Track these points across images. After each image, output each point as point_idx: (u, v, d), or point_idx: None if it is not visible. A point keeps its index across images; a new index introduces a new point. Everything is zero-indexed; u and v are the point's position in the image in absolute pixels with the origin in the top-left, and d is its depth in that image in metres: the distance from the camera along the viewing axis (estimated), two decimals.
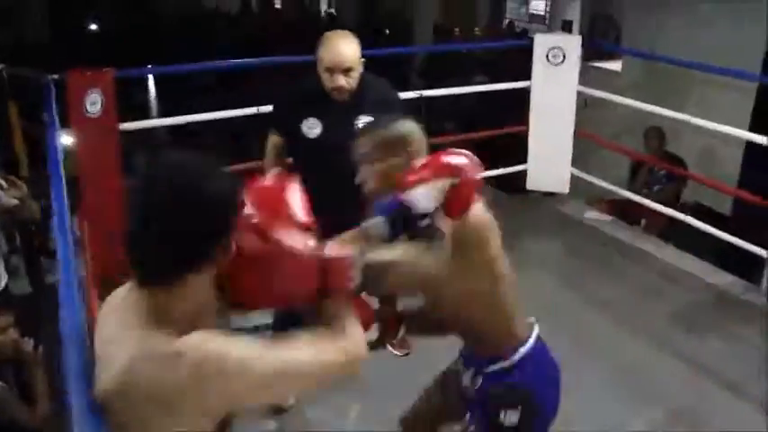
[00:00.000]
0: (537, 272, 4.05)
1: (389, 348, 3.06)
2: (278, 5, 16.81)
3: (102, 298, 1.65)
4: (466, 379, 1.93)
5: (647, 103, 4.54)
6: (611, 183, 4.82)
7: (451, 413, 2.04)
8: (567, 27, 5.08)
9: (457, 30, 13.88)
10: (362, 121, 2.47)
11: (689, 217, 4.38)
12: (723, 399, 3.09)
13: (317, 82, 2.61)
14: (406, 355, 3.12)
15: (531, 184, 4.98)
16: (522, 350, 1.84)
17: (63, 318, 1.59)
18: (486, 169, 5.20)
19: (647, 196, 5.00)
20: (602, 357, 3.35)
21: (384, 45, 11.46)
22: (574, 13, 5.63)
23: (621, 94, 4.99)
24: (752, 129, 4.58)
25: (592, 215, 4.93)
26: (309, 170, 2.38)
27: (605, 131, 5.65)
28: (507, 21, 13.81)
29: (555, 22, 5.78)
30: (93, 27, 13.74)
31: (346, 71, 2.57)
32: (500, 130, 5.01)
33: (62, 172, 2.64)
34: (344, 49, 2.57)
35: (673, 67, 5.34)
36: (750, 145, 4.69)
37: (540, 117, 4.80)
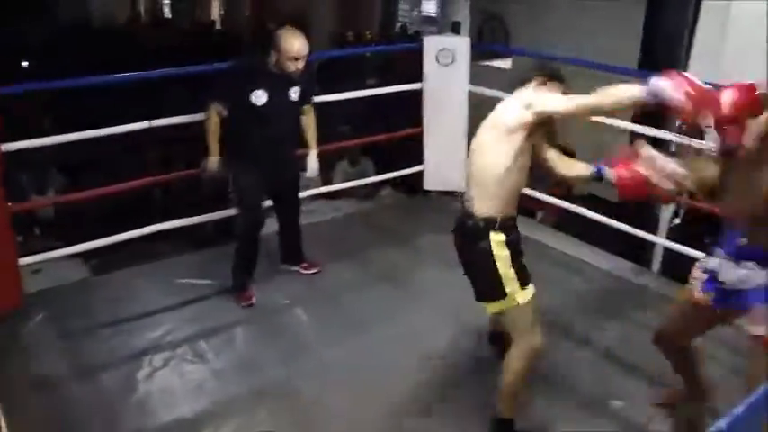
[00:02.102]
0: (438, 268, 4.06)
1: None
2: (168, 16, 16.34)
3: None
4: (732, 273, 2.31)
5: None
6: None
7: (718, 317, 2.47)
8: (456, 28, 5.13)
9: (351, 34, 13.90)
10: (294, 91, 3.55)
11: (581, 207, 4.51)
12: (624, 382, 3.19)
13: (261, 61, 3.49)
14: None
15: (429, 184, 5.02)
16: None
17: None
18: (384, 172, 5.24)
19: (540, 189, 5.12)
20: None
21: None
22: (463, 15, 5.69)
23: (512, 92, 5.08)
24: (634, 121, 4.77)
25: None
26: (254, 133, 3.50)
27: None
28: (400, 24, 13.94)
29: (445, 23, 5.83)
30: None
31: (304, 57, 3.42)
32: (396, 133, 5.02)
33: None
34: (304, 42, 3.42)
35: (560, 64, 5.49)
36: (634, 135, 4.87)
37: (433, 118, 4.84)
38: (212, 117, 3.51)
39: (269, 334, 3.50)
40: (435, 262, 4.13)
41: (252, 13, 15.59)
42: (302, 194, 5.01)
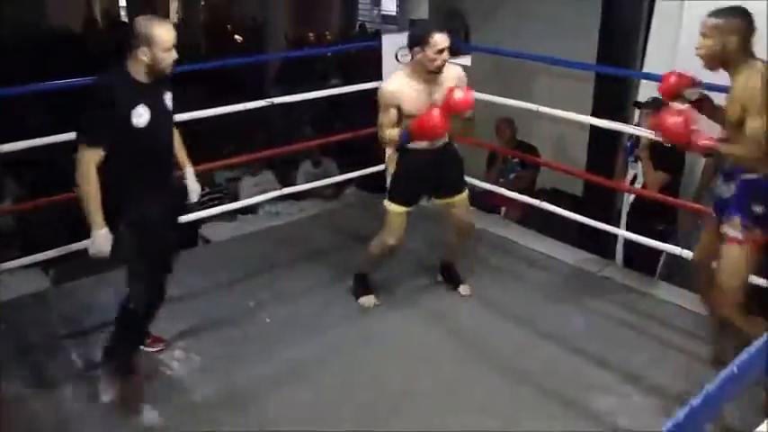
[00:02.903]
0: (402, 265, 4.07)
1: None
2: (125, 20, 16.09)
3: None
4: (726, 191, 2.79)
5: (498, 95, 4.67)
6: (469, 175, 4.92)
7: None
8: (414, 26, 5.14)
9: (312, 35, 13.87)
10: (168, 97, 2.81)
11: (544, 202, 4.55)
12: (592, 374, 3.22)
13: (126, 72, 2.69)
14: None
15: None
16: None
17: None
18: (348, 171, 5.22)
19: (503, 185, 5.16)
20: (471, 344, 3.42)
21: (236, 53, 11.24)
22: (422, 12, 5.70)
23: (472, 88, 5.10)
24: (594, 114, 4.82)
25: None
26: (144, 167, 2.73)
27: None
28: (359, 23, 13.94)
29: (404, 21, 5.83)
30: None
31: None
32: (358, 131, 5.00)
33: None
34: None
35: (520, 61, 5.54)
36: (594, 129, 4.93)
37: None
38: (89, 170, 2.61)
39: (234, 338, 3.46)
40: (399, 260, 4.13)
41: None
42: (265, 197, 5.01)
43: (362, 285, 3.82)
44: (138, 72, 2.67)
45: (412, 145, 3.39)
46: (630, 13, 4.90)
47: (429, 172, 3.51)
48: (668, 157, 4.11)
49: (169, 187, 2.89)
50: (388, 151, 3.64)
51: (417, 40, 3.25)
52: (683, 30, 4.24)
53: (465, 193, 3.67)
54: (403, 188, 3.55)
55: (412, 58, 3.32)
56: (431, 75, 3.28)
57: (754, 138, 2.55)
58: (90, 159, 2.61)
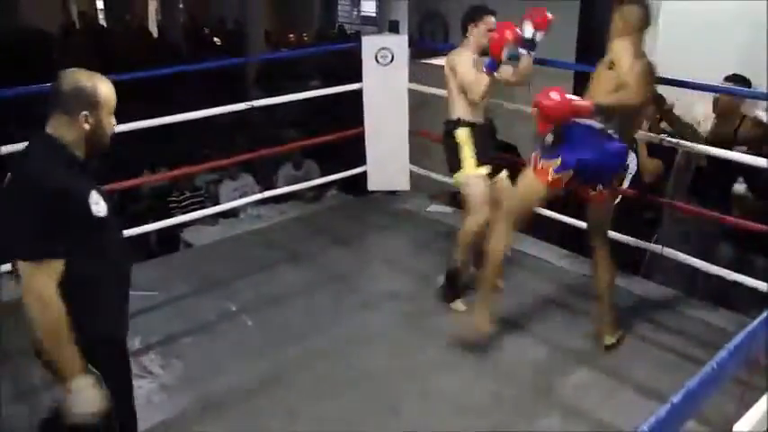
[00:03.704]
0: (385, 266, 4.08)
1: None
2: (103, 23, 15.98)
3: None
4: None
5: None
6: (448, 175, 4.93)
7: None
8: (393, 27, 5.14)
9: (292, 36, 13.85)
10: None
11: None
12: (571, 371, 3.24)
13: (65, 148, 1.97)
14: None
15: (373, 184, 5.01)
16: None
17: None
18: (330, 174, 5.21)
19: None
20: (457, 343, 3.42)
21: (215, 56, 11.18)
22: (401, 13, 5.70)
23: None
24: None
25: (434, 208, 5.02)
26: (101, 259, 2.01)
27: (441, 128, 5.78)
28: (339, 24, 13.95)
29: (383, 22, 5.83)
30: None
31: None
32: (338, 133, 5.00)
33: None
34: None
35: None
36: None
37: (374, 118, 4.84)
38: (52, 294, 1.87)
39: (216, 343, 3.44)
40: (380, 262, 4.14)
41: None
42: (246, 200, 4.99)
43: (453, 287, 3.76)
44: (78, 144, 1.99)
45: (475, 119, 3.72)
46: (609, 13, 4.94)
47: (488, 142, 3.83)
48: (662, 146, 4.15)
49: (129, 273, 2.23)
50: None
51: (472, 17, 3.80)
52: (660, 29, 4.28)
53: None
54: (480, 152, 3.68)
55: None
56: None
57: (628, 82, 2.97)
58: (48, 277, 1.87)
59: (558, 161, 3.03)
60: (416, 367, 3.27)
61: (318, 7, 14.98)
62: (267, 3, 13.50)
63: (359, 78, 4.82)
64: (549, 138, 3.09)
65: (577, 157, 3.02)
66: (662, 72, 3.28)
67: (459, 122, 3.68)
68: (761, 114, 3.72)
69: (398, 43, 4.78)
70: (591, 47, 5.00)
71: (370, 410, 2.95)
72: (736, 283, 3.57)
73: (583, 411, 2.96)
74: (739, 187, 3.95)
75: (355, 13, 15.20)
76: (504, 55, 3.46)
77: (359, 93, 4.85)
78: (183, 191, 6.26)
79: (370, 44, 4.78)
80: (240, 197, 5.59)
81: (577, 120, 3.00)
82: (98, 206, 1.95)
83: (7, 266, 3.25)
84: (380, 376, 3.20)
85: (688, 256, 3.76)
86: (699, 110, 4.25)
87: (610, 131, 3.04)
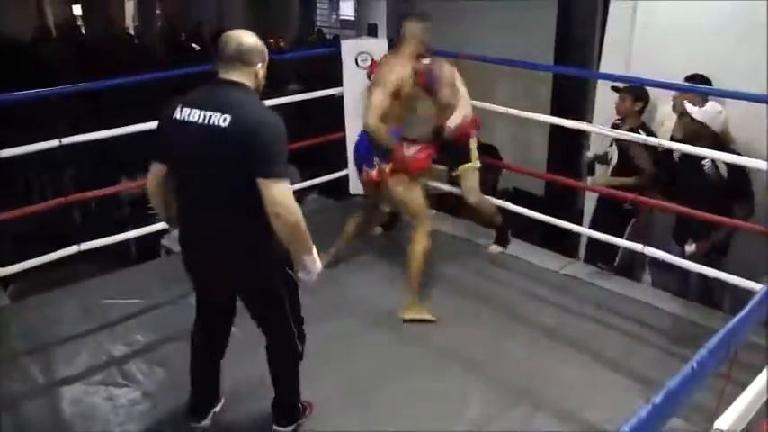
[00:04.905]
0: (367, 271, 4.08)
1: None
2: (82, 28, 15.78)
3: None
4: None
5: None
6: (431, 178, 4.95)
7: None
8: (372, 31, 5.16)
9: (271, 41, 13.79)
10: None
11: (506, 202, 4.59)
12: (560, 371, 3.27)
13: (256, 93, 2.53)
14: None
15: (354, 188, 4.99)
16: None
17: None
18: (311, 178, 5.20)
19: None
20: (447, 344, 3.44)
21: (195, 62, 11.07)
22: (380, 17, 5.72)
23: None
24: (552, 114, 4.90)
25: None
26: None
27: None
28: (317, 28, 13.93)
29: (362, 26, 5.85)
30: None
31: None
32: (319, 138, 4.99)
33: None
34: None
35: (480, 64, 5.58)
36: (553, 129, 5.00)
37: (355, 121, 4.82)
38: (294, 202, 2.54)
39: None
40: (359, 267, 4.14)
41: None
42: None
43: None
44: (256, 90, 2.53)
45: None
46: (585, 16, 4.99)
47: None
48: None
49: None
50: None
51: None
52: (636, 31, 4.33)
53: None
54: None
55: None
56: None
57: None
58: (290, 191, 2.48)
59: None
60: (395, 367, 3.28)
61: (297, 11, 14.95)
62: (245, 7, 13.45)
63: (338, 82, 4.82)
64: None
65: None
66: (637, 72, 3.32)
67: None
68: (691, 108, 3.75)
69: (377, 46, 4.78)
70: (569, 49, 5.05)
71: (358, 417, 2.96)
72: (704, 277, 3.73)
73: (569, 410, 2.98)
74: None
75: (334, 16, 15.19)
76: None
77: (338, 97, 4.86)
78: None
79: (350, 48, 4.78)
80: None
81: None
82: None
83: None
84: (359, 376, 3.21)
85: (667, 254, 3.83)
86: (663, 110, 4.33)
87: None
